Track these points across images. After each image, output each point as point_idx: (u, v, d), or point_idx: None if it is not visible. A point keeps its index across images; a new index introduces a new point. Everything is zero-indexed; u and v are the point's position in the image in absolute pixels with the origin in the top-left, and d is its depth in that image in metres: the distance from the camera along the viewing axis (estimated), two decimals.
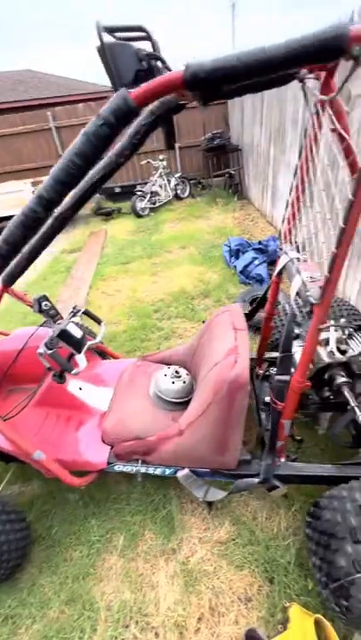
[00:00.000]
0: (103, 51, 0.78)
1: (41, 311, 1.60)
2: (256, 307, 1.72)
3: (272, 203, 5.00)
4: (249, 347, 1.35)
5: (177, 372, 1.66)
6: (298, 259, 1.32)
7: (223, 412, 1.26)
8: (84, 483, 1.50)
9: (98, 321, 1.74)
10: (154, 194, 6.82)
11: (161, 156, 7.01)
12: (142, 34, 0.88)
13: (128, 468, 1.48)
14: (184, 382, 1.63)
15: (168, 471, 1.45)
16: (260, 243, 3.98)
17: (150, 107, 1.06)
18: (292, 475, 1.37)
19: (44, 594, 1.41)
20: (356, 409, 1.32)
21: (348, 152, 1.09)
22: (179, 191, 7.24)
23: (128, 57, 0.83)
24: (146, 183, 6.87)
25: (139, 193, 6.60)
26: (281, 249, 1.45)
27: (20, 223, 0.94)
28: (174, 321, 3.13)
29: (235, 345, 1.32)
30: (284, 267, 1.38)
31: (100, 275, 4.37)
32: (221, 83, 0.76)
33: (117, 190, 7.56)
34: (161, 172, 6.91)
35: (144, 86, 0.79)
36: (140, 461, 1.45)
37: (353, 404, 1.35)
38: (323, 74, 1.07)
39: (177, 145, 7.80)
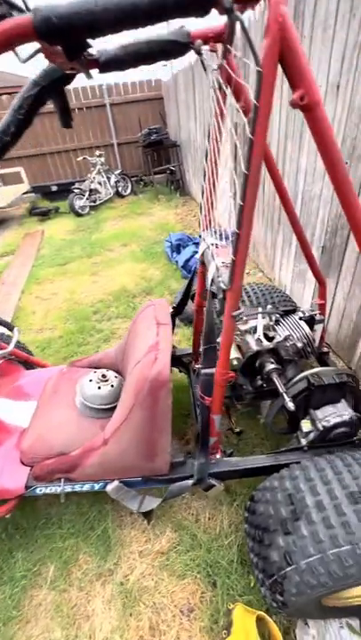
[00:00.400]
0: None
1: None
2: (183, 298, 1.64)
3: None
4: (172, 341, 1.26)
5: (104, 375, 1.52)
6: (215, 244, 1.26)
7: (147, 414, 1.16)
8: (4, 513, 1.31)
9: (9, 327, 1.54)
10: (93, 191, 6.54)
11: (98, 152, 6.75)
12: None
13: (51, 490, 1.31)
14: (112, 386, 1.49)
15: (97, 486, 1.31)
16: (199, 236, 3.96)
17: (33, 77, 0.93)
18: (229, 471, 1.32)
19: None
20: (285, 395, 1.30)
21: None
22: (120, 188, 7.03)
23: None
24: (84, 181, 6.56)
25: (76, 191, 6.27)
26: (200, 236, 1.38)
27: None
28: (115, 321, 2.97)
29: (156, 341, 1.23)
30: (203, 254, 1.31)
31: (35, 278, 4.04)
32: (80, 32, 0.64)
33: (54, 189, 7.13)
34: (99, 168, 6.64)
35: None
36: (62, 480, 1.29)
37: (282, 390, 1.32)
38: (219, 46, 1.01)
39: (115, 141, 7.57)
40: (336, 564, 0.89)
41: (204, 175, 1.35)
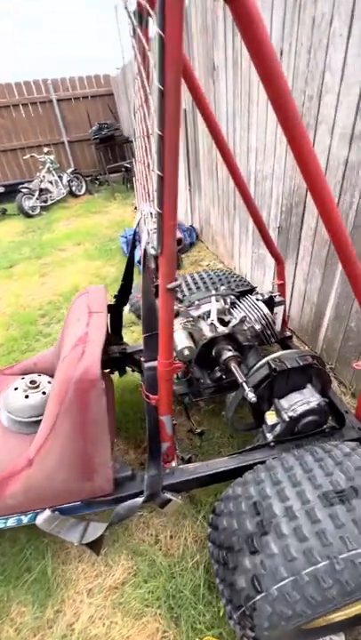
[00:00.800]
0: None
1: None
2: (125, 283, 1.42)
3: None
4: (106, 330, 1.05)
5: (33, 381, 1.26)
6: (151, 213, 1.06)
7: (77, 423, 0.93)
8: None
9: None
10: (44, 191, 6.13)
11: (46, 149, 6.36)
12: None
13: None
14: (44, 393, 1.24)
15: (25, 519, 1.05)
16: (135, 208, 3.77)
17: None
18: (187, 480, 1.11)
19: None
20: (245, 385, 1.13)
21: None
22: (74, 188, 6.67)
23: None
24: (31, 180, 6.13)
25: (24, 190, 5.84)
26: (136, 207, 1.18)
27: None
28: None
29: (84, 332, 1.00)
30: (138, 225, 1.11)
31: None
32: None
33: (0, 190, 6.63)
34: (49, 167, 6.25)
35: None
36: None
37: (241, 380, 1.15)
38: None
39: (65, 139, 7.21)
40: (313, 586, 0.72)
41: (135, 141, 1.15)
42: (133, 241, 1.37)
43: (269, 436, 1.17)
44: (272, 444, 1.15)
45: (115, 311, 1.50)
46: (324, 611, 0.73)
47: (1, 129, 6.89)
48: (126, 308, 1.72)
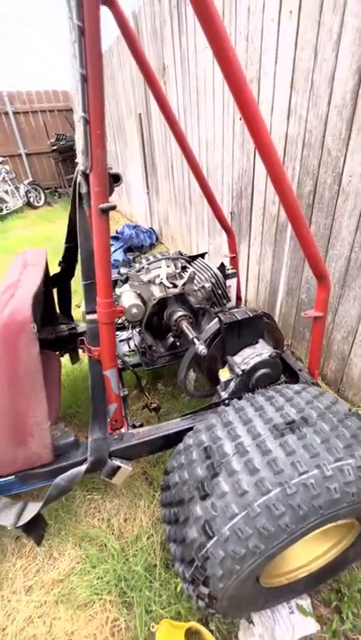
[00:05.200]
0: None
1: None
2: (70, 248, 1.33)
3: (128, 200, 4.91)
4: (42, 279, 0.96)
5: None
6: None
7: (4, 373, 0.82)
8: None
9: None
10: None
11: (0, 159, 6.20)
12: None
13: None
14: None
15: None
16: (116, 232, 3.75)
17: None
18: (137, 444, 1.02)
19: None
20: (196, 340, 1.08)
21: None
22: (31, 199, 6.52)
23: None
24: None
25: None
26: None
27: None
28: None
29: (16, 279, 0.91)
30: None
31: None
32: None
33: None
34: (4, 176, 6.08)
35: None
36: None
37: (192, 336, 1.10)
38: None
39: (22, 151, 7.10)
40: (265, 516, 0.66)
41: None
42: (75, 185, 1.27)
43: (224, 394, 1.12)
44: (227, 401, 1.10)
45: (62, 284, 1.39)
46: (279, 544, 0.67)
47: None
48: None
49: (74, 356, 1.62)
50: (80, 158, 0.74)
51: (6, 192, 6.08)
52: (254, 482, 0.70)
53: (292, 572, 0.91)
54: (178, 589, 0.95)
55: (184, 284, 1.22)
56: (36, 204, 6.63)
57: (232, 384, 1.12)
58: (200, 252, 1.50)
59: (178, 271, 1.33)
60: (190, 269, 1.28)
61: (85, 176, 0.75)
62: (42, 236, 4.59)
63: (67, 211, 4.79)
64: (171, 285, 1.22)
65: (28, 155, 7.25)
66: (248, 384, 1.11)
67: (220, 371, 1.14)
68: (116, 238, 3.55)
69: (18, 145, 7.08)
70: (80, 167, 0.74)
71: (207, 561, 0.70)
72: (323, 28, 1.21)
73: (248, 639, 0.90)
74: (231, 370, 1.13)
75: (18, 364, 0.82)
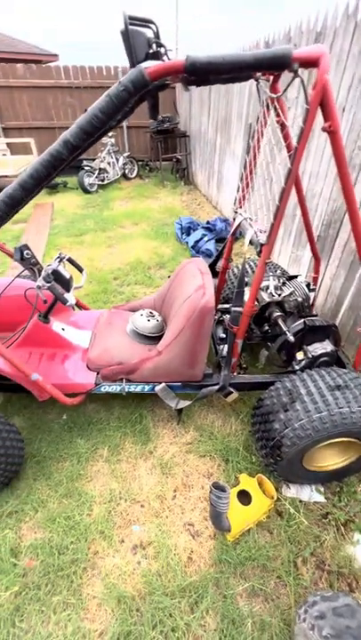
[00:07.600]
0: (127, 34, 1.05)
1: (22, 259, 1.76)
2: (215, 261, 2.11)
3: (218, 189, 5.49)
4: (213, 285, 1.74)
5: (151, 312, 1.98)
6: (250, 218, 1.74)
7: (194, 333, 1.64)
8: (76, 402, 1.75)
9: (80, 269, 1.96)
10: (102, 171, 6.81)
11: (110, 133, 6.98)
12: (151, 25, 1.15)
13: (114, 388, 1.77)
14: (157, 321, 1.96)
15: (147, 387, 1.79)
16: (208, 222, 4.42)
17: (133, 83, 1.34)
18: (243, 382, 1.83)
19: (41, 493, 1.65)
20: (287, 332, 1.82)
21: (286, 137, 1.52)
22: (127, 171, 7.33)
23: (142, 42, 1.11)
24: (93, 159, 6.80)
25: (87, 168, 6.52)
26: (236, 212, 1.86)
27: (46, 162, 1.15)
28: (134, 287, 3.41)
29: (203, 282, 1.70)
30: (239, 225, 1.79)
31: (54, 244, 4.37)
32: (209, 73, 1.09)
33: None
34: (109, 149, 6.91)
35: (156, 66, 1.09)
36: (124, 380, 1.76)
37: (285, 329, 1.84)
38: (271, 77, 1.47)
39: (125, 124, 7.80)
40: (318, 422, 1.42)
41: (245, 167, 1.82)
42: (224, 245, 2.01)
43: (297, 367, 1.87)
44: (298, 371, 1.85)
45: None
46: (322, 435, 1.44)
47: (68, 107, 7.53)
48: None
49: None
50: (259, 236, 1.46)
51: (109, 163, 6.93)
52: (314, 407, 1.45)
53: (321, 466, 1.68)
54: (253, 461, 1.78)
55: (284, 296, 1.93)
56: (130, 175, 7.43)
57: (303, 362, 1.85)
58: (295, 274, 2.18)
59: (280, 284, 2.04)
60: (291, 288, 1.99)
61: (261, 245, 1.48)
62: (139, 213, 5.41)
63: (157, 187, 5.80)
64: (275, 295, 1.95)
65: (128, 127, 7.95)
66: (313, 364, 1.84)
67: (298, 353, 1.88)
68: (208, 229, 4.24)
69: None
70: (260, 241, 1.46)
71: (283, 438, 1.49)
72: None
73: (286, 492, 1.72)
74: (305, 354, 1.86)
75: (202, 329, 1.63)
